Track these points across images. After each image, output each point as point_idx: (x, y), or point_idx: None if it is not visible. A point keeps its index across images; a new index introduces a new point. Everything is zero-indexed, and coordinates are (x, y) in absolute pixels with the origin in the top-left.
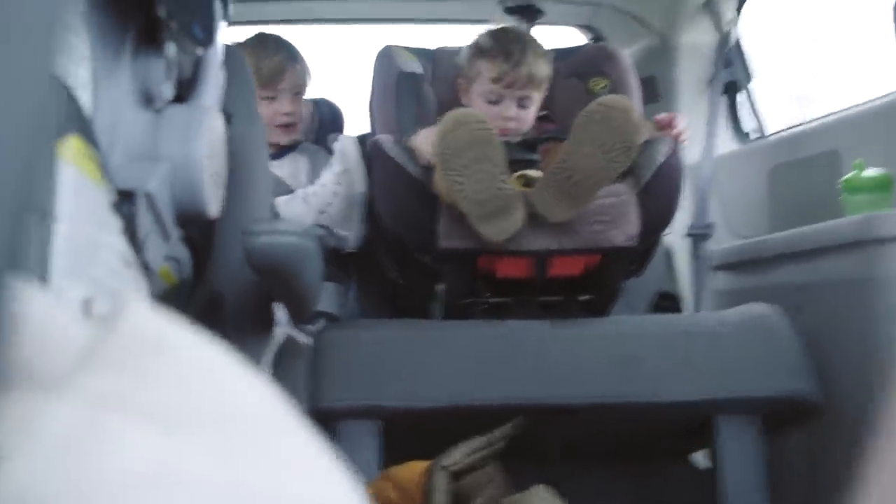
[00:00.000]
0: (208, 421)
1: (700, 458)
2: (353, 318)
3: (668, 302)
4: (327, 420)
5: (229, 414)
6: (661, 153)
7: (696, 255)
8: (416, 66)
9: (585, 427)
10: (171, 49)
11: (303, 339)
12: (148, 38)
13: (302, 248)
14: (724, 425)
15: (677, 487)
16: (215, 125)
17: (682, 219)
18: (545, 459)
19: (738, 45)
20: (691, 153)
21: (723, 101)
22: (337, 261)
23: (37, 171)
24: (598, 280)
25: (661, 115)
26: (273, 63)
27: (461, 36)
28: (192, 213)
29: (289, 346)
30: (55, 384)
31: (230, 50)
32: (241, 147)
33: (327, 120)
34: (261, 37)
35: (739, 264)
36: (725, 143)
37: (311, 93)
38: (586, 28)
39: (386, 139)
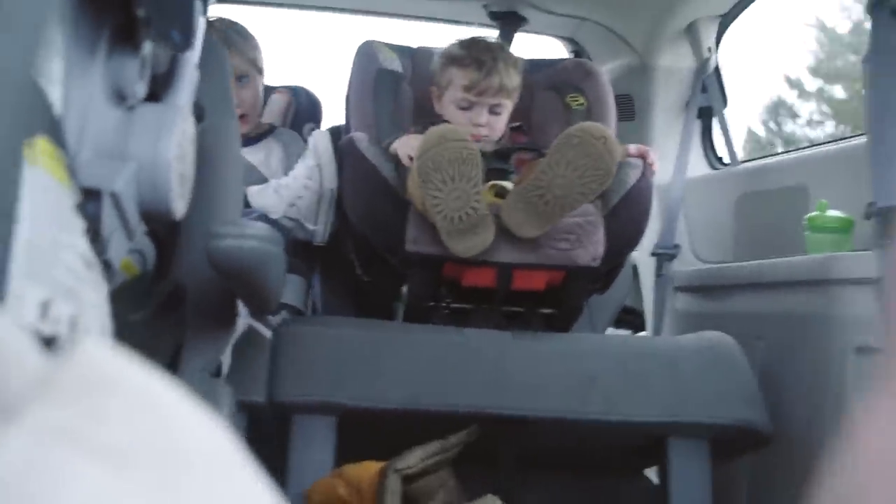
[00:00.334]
0: (157, 459)
1: (654, 474)
2: (316, 311)
3: (630, 317)
4: (283, 413)
5: (178, 453)
6: (631, 177)
7: (660, 274)
8: (395, 64)
9: (539, 439)
10: (146, 48)
11: (263, 330)
12: (124, 35)
13: (266, 253)
14: (675, 447)
15: (628, 501)
16: (186, 127)
17: (649, 237)
18: (498, 468)
19: (715, 72)
20: (662, 174)
21: (696, 126)
22: (302, 253)
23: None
24: (561, 296)
25: (633, 148)
26: None
27: (444, 35)
28: (157, 213)
29: (250, 336)
30: (7, 414)
31: (207, 42)
32: (212, 141)
33: (304, 108)
34: None
35: (702, 288)
36: (697, 166)
37: (287, 79)
38: (568, 40)
39: (360, 137)
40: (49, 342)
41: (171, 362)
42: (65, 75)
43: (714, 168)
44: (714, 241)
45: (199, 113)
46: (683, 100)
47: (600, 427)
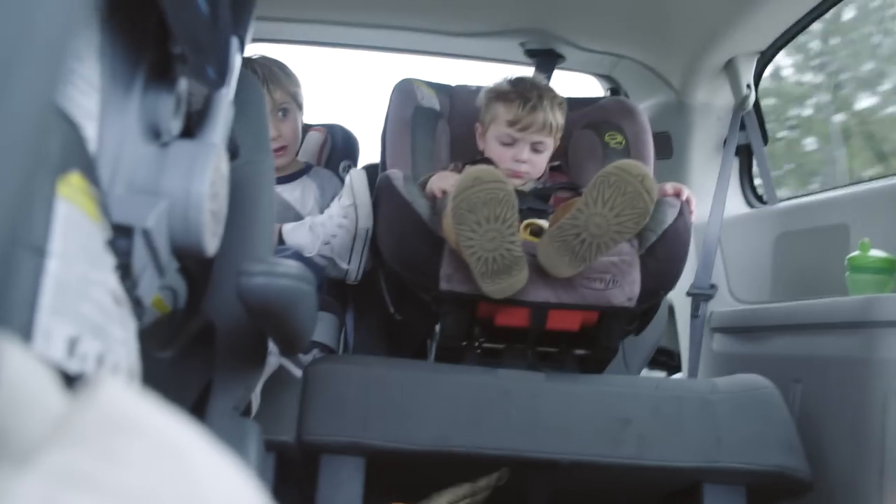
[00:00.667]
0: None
1: None
2: (348, 350)
3: (665, 358)
4: (312, 453)
5: (198, 499)
6: (668, 216)
7: (696, 315)
8: (433, 102)
9: (571, 482)
10: (182, 85)
11: (294, 369)
12: (160, 72)
13: (297, 291)
14: (710, 493)
15: None
16: (220, 164)
17: (685, 277)
18: None
19: (755, 108)
20: (700, 212)
21: (735, 163)
22: (335, 291)
23: (33, 208)
24: (595, 337)
25: (669, 186)
26: None
27: (482, 74)
28: (189, 250)
29: (280, 376)
30: (22, 454)
31: (244, 76)
32: (246, 178)
33: (340, 146)
34: None
35: (739, 329)
36: (735, 205)
37: (324, 118)
38: (605, 78)
39: (396, 174)
40: (75, 379)
41: (200, 400)
42: (100, 111)
43: (752, 206)
44: (752, 281)
45: (234, 150)
46: (721, 137)
47: (633, 470)
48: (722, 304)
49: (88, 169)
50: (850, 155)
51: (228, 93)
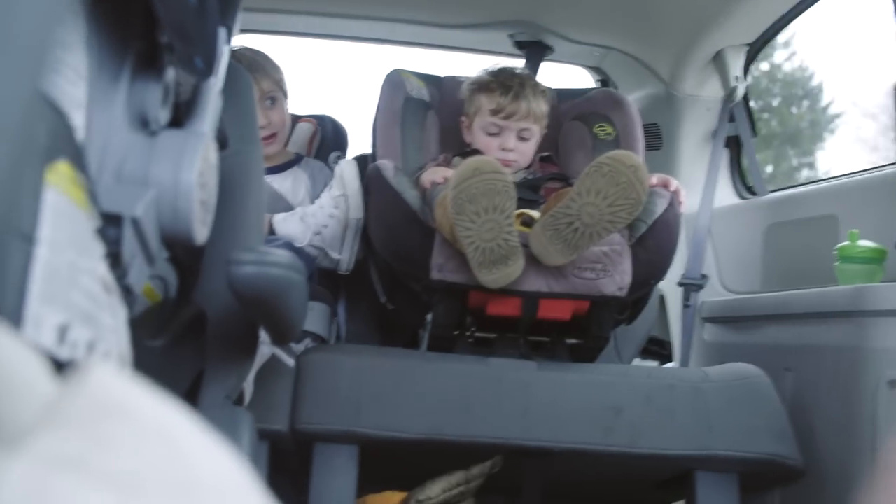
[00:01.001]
0: (166, 488)
1: None
2: (340, 340)
3: (657, 347)
4: (305, 442)
5: (188, 482)
6: (658, 206)
7: (687, 304)
8: (423, 93)
9: (563, 470)
10: (170, 74)
11: (287, 359)
12: (148, 61)
13: (287, 280)
14: (702, 480)
15: None
16: (209, 154)
17: (676, 267)
18: (521, 499)
19: (743, 101)
20: (690, 203)
21: (724, 155)
22: (327, 281)
23: (21, 196)
24: (587, 326)
25: (655, 177)
26: None
27: (472, 65)
28: (178, 238)
29: (272, 365)
30: (15, 439)
31: (232, 67)
32: (235, 167)
33: (330, 137)
34: None
35: (730, 319)
36: (724, 196)
37: (314, 108)
38: (594, 70)
39: (386, 165)
40: (66, 366)
41: (192, 389)
42: (88, 100)
43: (742, 197)
44: (742, 272)
45: (223, 140)
46: (711, 129)
47: (625, 459)
48: (713, 294)
49: (76, 157)
50: None
51: (217, 82)
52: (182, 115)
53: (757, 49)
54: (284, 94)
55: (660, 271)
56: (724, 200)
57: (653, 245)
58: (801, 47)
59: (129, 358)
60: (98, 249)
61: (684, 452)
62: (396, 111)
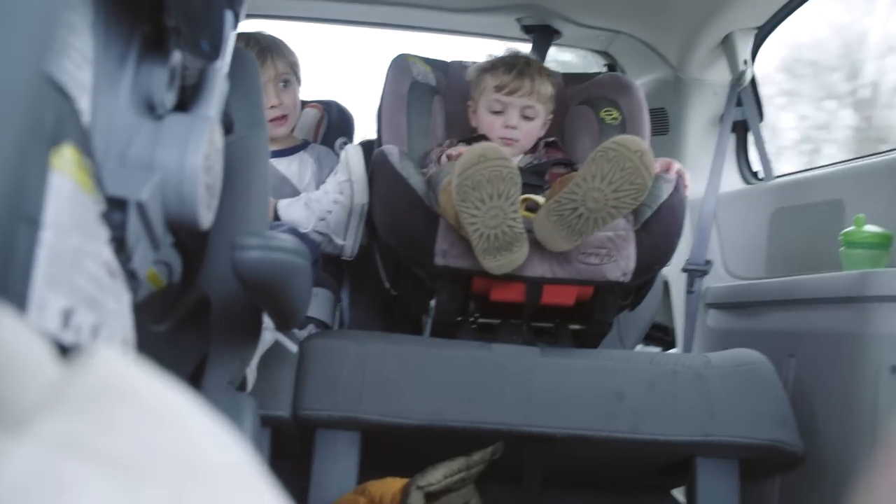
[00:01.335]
0: (170, 471)
1: (681, 494)
2: (343, 325)
3: (660, 333)
4: (307, 428)
5: (191, 465)
6: (664, 191)
7: (691, 290)
8: (429, 77)
9: (565, 456)
10: (176, 58)
11: (290, 345)
12: (154, 45)
13: (291, 265)
14: (703, 466)
15: None
16: (214, 138)
17: (680, 252)
18: (523, 485)
19: (751, 85)
20: (695, 188)
21: (731, 140)
22: (331, 267)
23: (27, 180)
24: (590, 312)
25: (659, 162)
26: None
27: (478, 49)
28: (183, 223)
29: (276, 351)
30: (18, 421)
31: (238, 52)
32: (241, 152)
33: (336, 123)
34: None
35: (734, 305)
36: (730, 181)
37: (320, 94)
38: (602, 54)
39: (391, 149)
40: (70, 351)
41: (195, 374)
42: (94, 84)
43: (748, 183)
44: (747, 257)
45: (229, 124)
46: (718, 113)
47: (627, 445)
48: (717, 280)
49: (82, 141)
50: None
51: (223, 66)
52: (188, 99)
53: (766, 33)
54: (298, 80)
55: (664, 256)
56: (729, 186)
57: (658, 230)
58: None
59: (133, 342)
60: (103, 234)
61: (686, 438)
62: (402, 96)
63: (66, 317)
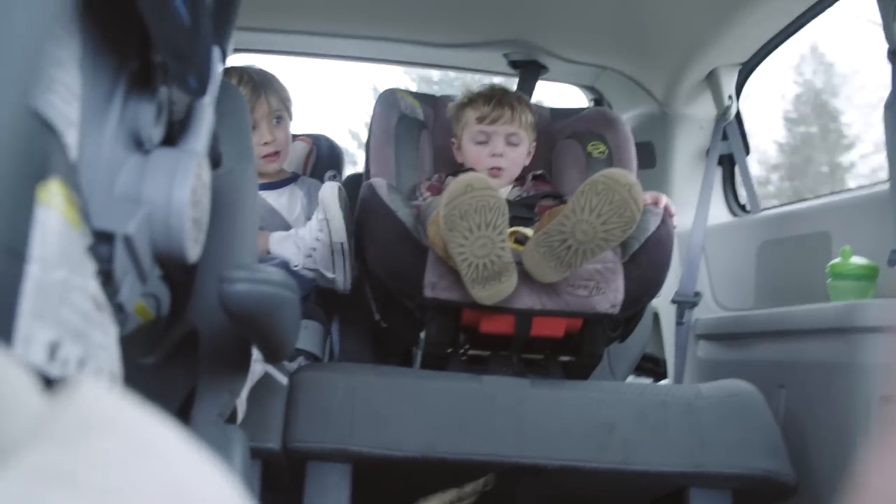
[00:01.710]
0: (154, 502)
1: None
2: (333, 358)
3: (651, 365)
4: (298, 461)
5: (176, 496)
6: (651, 224)
7: (681, 322)
8: (417, 112)
9: (557, 487)
10: (163, 93)
11: (280, 377)
12: (141, 80)
13: (279, 297)
14: (696, 497)
15: None
16: (202, 172)
17: (669, 285)
18: None
19: (736, 119)
20: (683, 221)
21: (718, 173)
22: (321, 300)
23: (12, 214)
24: (580, 343)
25: (647, 195)
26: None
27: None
28: (170, 256)
29: (266, 382)
30: (3, 454)
31: (226, 86)
32: (229, 186)
33: (325, 156)
34: (226, 71)
35: (723, 336)
36: (718, 213)
37: (308, 128)
38: (588, 89)
39: (380, 183)
40: (56, 383)
41: (184, 407)
42: (81, 119)
43: (735, 215)
44: (736, 289)
45: (217, 158)
46: (704, 147)
47: (619, 476)
48: (706, 312)
49: (69, 175)
50: None
51: (210, 101)
52: (175, 134)
53: (750, 69)
54: (290, 115)
55: (653, 289)
56: (717, 218)
57: (646, 262)
58: None
59: (120, 375)
60: (90, 267)
61: (677, 469)
62: (390, 130)
63: (53, 350)
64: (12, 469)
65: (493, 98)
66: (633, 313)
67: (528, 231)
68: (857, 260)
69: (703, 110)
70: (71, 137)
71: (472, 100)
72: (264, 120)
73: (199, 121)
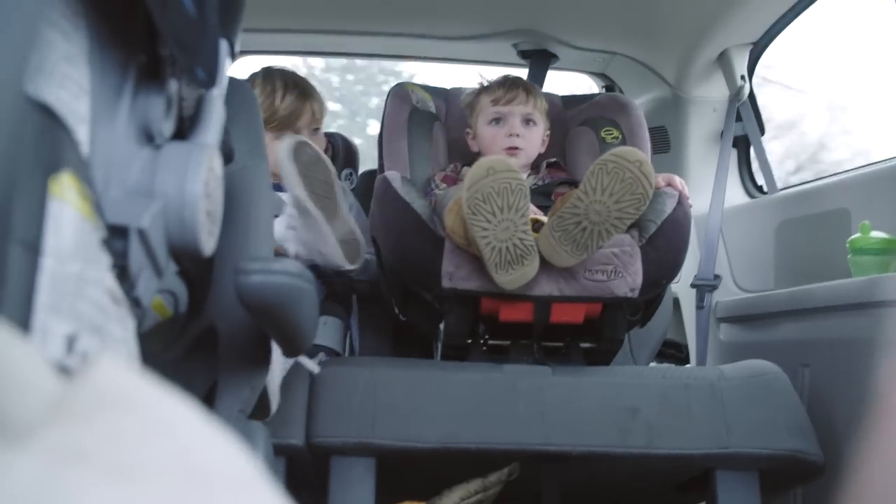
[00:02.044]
0: (172, 478)
1: None
2: (354, 353)
3: (673, 350)
4: (321, 456)
5: (195, 472)
6: (667, 206)
7: (701, 305)
8: (429, 105)
9: (582, 474)
10: (172, 86)
11: (311, 365)
12: (150, 74)
13: (296, 288)
14: (722, 479)
15: None
16: (213, 164)
17: (688, 268)
18: None
19: (750, 99)
20: (700, 204)
21: (733, 155)
22: (340, 296)
23: (20, 204)
24: (600, 329)
25: (660, 177)
26: (287, 104)
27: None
28: (185, 250)
29: (289, 378)
30: (21, 434)
31: (237, 84)
32: (242, 182)
33: (341, 154)
34: (269, 75)
35: (744, 318)
36: (735, 195)
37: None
38: (599, 76)
39: (394, 176)
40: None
41: (205, 403)
42: (92, 114)
43: (752, 196)
44: (755, 270)
45: (228, 153)
46: (718, 129)
47: (644, 460)
48: (727, 294)
49: (81, 170)
50: None
51: (219, 94)
52: (186, 128)
53: (761, 48)
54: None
55: (671, 271)
56: (734, 200)
57: (663, 244)
58: None
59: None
60: (105, 260)
61: (703, 451)
62: (402, 123)
63: (70, 342)
64: (31, 447)
65: (506, 82)
66: (653, 297)
67: (544, 218)
68: (877, 234)
69: (715, 92)
70: (82, 133)
71: (485, 87)
72: (306, 129)
73: (210, 114)
